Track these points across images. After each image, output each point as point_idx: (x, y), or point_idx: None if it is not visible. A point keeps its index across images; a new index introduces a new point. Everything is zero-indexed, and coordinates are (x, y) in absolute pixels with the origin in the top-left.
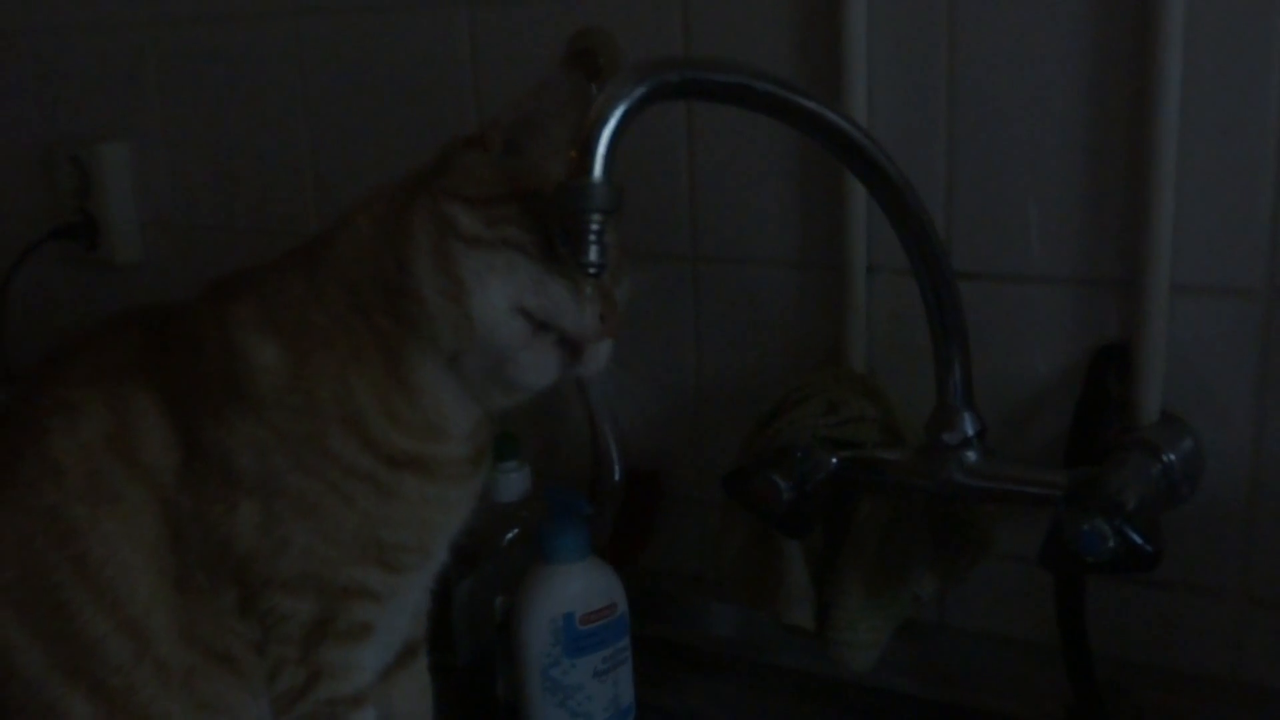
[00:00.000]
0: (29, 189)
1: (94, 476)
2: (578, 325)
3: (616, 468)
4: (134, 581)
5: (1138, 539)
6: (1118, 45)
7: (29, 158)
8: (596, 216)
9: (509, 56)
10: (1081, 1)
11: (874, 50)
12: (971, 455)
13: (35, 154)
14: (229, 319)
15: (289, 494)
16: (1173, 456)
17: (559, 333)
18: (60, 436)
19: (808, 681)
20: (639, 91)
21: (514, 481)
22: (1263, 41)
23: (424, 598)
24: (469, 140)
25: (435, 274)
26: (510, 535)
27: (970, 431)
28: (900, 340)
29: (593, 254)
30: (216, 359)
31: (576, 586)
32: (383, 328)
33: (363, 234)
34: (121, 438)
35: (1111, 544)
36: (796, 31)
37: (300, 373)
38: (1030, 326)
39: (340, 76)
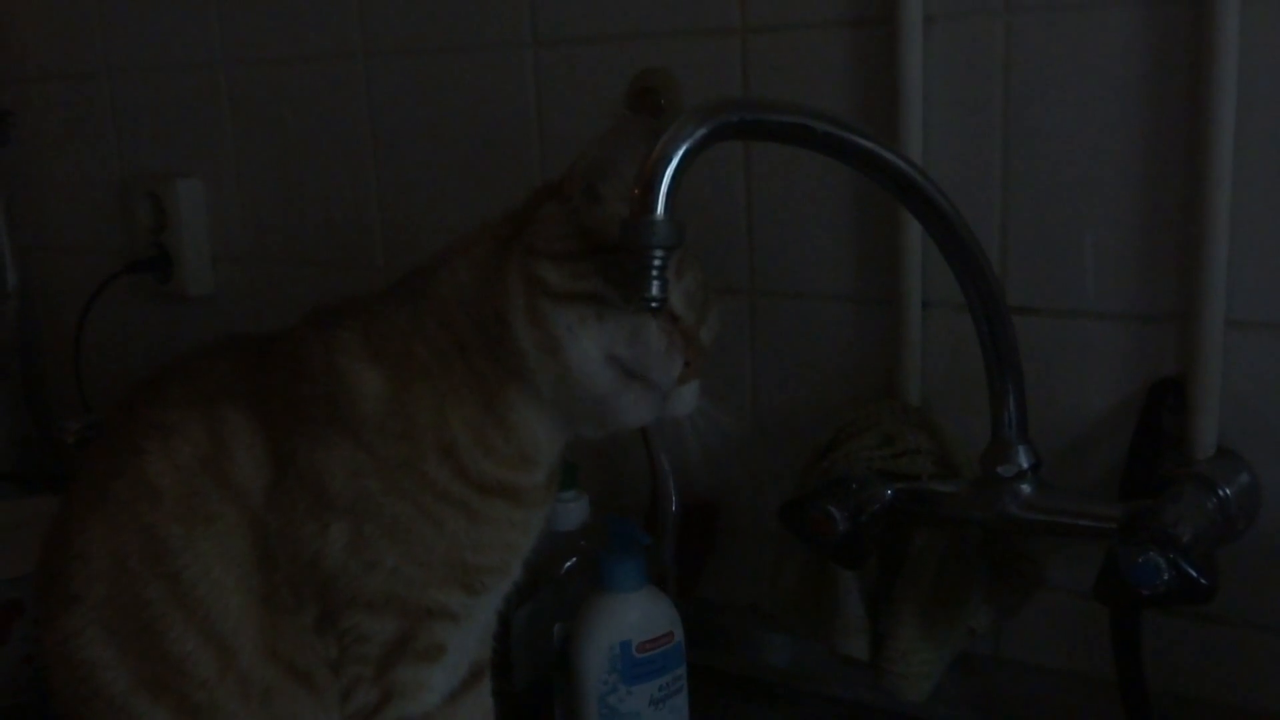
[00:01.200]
0: (107, 224)
1: (190, 497)
2: (664, 374)
3: (674, 499)
4: (225, 599)
5: (1193, 572)
6: (1172, 81)
7: (108, 193)
8: (659, 253)
9: (572, 96)
10: (1137, 38)
11: (930, 88)
12: (1026, 488)
13: (113, 190)
14: (334, 344)
15: (381, 517)
16: (1229, 491)
17: (646, 380)
18: (156, 458)
19: (861, 712)
20: (700, 132)
21: (573, 511)
22: None
23: (493, 619)
24: (550, 189)
25: (531, 329)
26: (569, 564)
27: (1025, 464)
28: (955, 374)
29: (654, 289)
30: (319, 382)
31: (634, 615)
32: (482, 369)
33: (461, 278)
34: (215, 459)
35: (1166, 576)
36: (853, 70)
37: (401, 400)
38: (1085, 361)
39: (408, 116)
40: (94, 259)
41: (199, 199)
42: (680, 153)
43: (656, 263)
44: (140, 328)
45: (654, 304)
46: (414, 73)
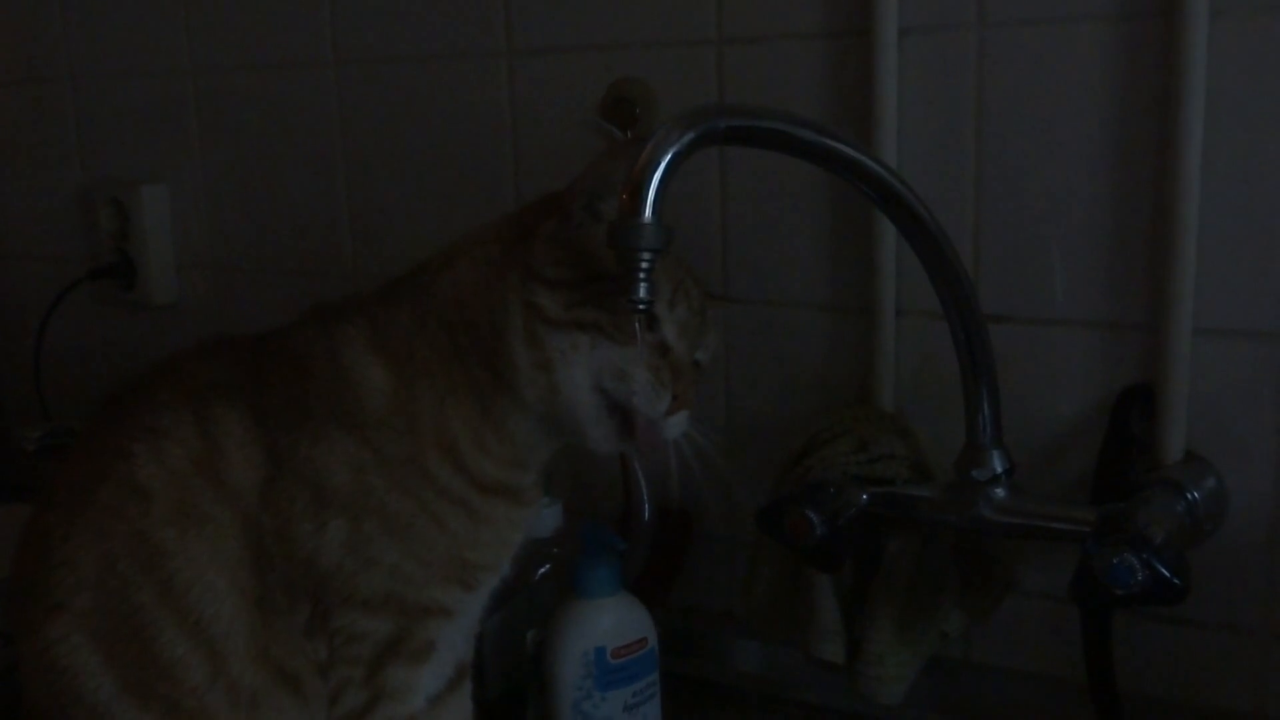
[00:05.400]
0: (69, 230)
1: (182, 500)
2: (650, 410)
3: (647, 505)
4: (218, 602)
5: (1166, 572)
6: (1142, 92)
7: (70, 200)
8: (646, 255)
9: (547, 105)
10: (1107, 51)
11: (904, 100)
12: (1000, 492)
13: (76, 196)
14: (340, 340)
15: (383, 513)
16: (1197, 494)
17: (633, 412)
18: (146, 461)
19: (833, 717)
20: (688, 137)
21: (546, 517)
22: None
23: (479, 615)
24: (553, 198)
25: (528, 350)
26: (541, 570)
27: (999, 469)
28: (928, 381)
29: (641, 291)
30: (323, 377)
31: (608, 621)
32: (479, 376)
33: (463, 280)
34: (208, 460)
35: (1140, 576)
36: (828, 81)
37: (405, 397)
38: (1056, 368)
39: (379, 124)
40: (56, 266)
41: (163, 206)
42: (667, 157)
43: (644, 265)
44: (102, 336)
45: (641, 306)
46: (386, 81)
